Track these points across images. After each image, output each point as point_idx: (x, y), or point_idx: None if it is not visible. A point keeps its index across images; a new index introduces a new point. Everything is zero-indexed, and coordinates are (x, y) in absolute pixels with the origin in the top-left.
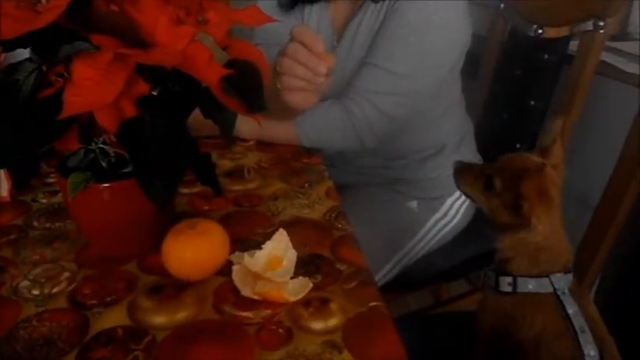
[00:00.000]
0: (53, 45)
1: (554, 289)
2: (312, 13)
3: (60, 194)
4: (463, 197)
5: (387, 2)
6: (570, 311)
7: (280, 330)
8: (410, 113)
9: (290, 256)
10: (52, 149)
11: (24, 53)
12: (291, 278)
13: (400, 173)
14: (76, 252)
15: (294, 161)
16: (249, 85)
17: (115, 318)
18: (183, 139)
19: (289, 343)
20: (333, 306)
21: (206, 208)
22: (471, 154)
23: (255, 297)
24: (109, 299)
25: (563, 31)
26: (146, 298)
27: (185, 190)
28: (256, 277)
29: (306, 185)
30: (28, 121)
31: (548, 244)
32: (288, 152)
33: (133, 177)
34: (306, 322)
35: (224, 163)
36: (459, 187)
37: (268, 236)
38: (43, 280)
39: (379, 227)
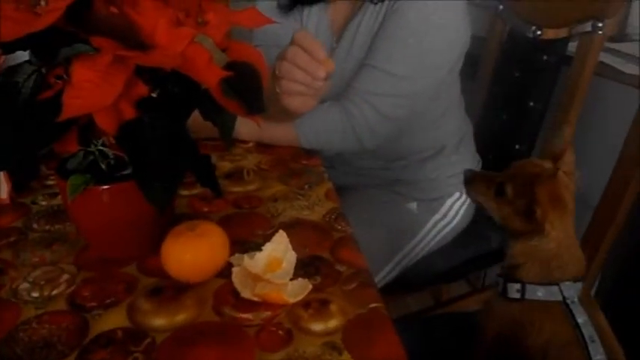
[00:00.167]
0: (53, 47)
1: (564, 297)
2: (311, 14)
3: (59, 196)
4: (463, 198)
5: (386, 3)
6: (580, 320)
7: (280, 332)
8: (409, 114)
9: (290, 258)
10: (51, 151)
11: (23, 55)
12: (291, 280)
13: (400, 174)
14: (75, 254)
15: (294, 163)
16: (249, 86)
17: (114, 320)
18: (183, 140)
19: (289, 344)
20: (333, 307)
21: (206, 209)
22: (470, 155)
23: (255, 299)
24: (108, 301)
25: (562, 33)
26: (146, 300)
27: (185, 192)
28: (256, 278)
29: (306, 187)
30: (27, 123)
31: (560, 251)
32: (288, 154)
33: (133, 179)
34: (306, 323)
35: (224, 165)
36: (470, 196)
37: (268, 238)
38: (42, 283)
39: (379, 228)
